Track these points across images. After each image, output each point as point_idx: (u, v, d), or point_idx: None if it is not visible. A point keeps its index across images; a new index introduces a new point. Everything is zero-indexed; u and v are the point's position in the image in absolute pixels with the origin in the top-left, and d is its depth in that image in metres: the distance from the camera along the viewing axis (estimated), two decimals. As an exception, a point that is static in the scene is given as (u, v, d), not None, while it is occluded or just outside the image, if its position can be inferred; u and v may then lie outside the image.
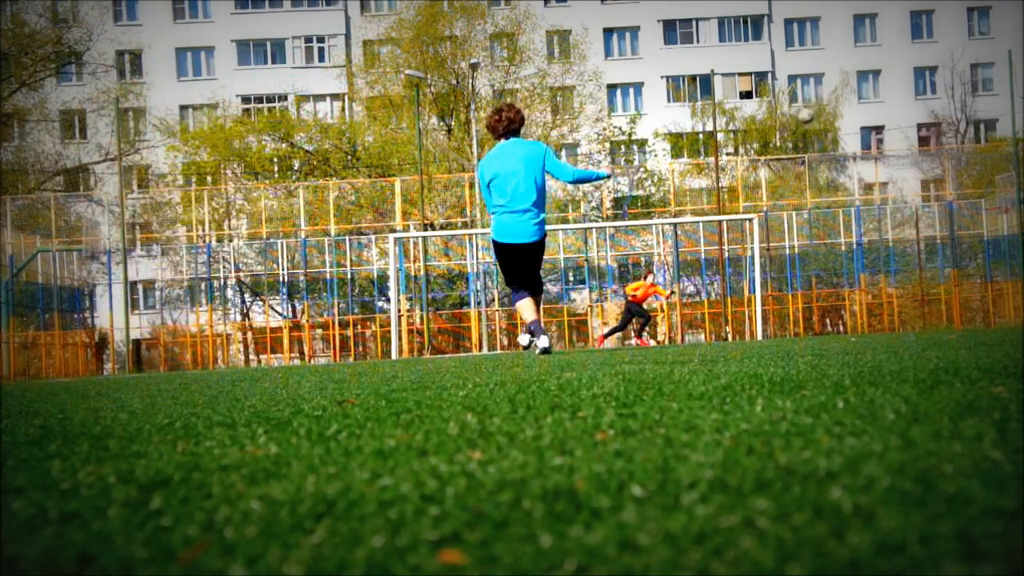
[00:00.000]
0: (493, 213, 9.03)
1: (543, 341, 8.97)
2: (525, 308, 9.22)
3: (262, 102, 48.86)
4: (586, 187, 38.91)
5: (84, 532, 1.21)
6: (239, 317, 37.62)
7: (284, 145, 42.25)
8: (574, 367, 5.42)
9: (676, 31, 51.87)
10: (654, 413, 2.23)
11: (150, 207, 41.68)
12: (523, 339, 9.92)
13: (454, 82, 41.05)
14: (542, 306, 10.52)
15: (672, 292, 24.85)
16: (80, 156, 44.84)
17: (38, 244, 31.59)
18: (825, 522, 1.05)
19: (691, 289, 35.88)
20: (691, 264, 34.20)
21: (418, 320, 30.33)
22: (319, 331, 34.20)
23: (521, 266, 9.14)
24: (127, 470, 1.74)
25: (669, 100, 51.31)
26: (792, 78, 51.42)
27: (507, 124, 8.90)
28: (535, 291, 9.28)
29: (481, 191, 9.17)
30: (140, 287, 44.46)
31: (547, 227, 9.37)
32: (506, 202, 8.86)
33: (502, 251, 9.06)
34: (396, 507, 1.25)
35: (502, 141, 8.98)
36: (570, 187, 36.95)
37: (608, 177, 9.42)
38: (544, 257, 9.47)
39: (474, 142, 33.02)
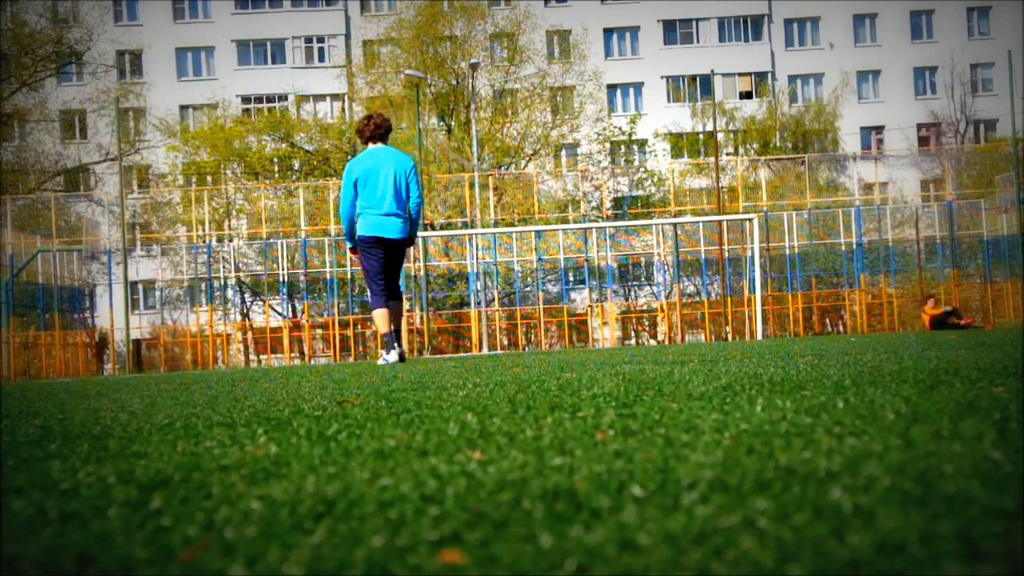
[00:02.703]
0: (359, 215, 9.29)
1: (392, 355, 9.15)
2: (381, 319, 9.38)
3: (262, 102, 48.86)
4: (586, 187, 39.08)
5: (84, 532, 1.21)
6: (239, 317, 37.60)
7: (284, 145, 42.25)
8: (574, 367, 5.42)
9: (676, 31, 51.88)
10: (654, 413, 2.23)
11: (150, 207, 41.67)
12: (391, 356, 9.17)
13: (454, 82, 41.05)
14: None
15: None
16: (80, 156, 44.82)
17: (38, 244, 31.57)
18: (825, 522, 1.05)
19: (691, 289, 35.87)
20: (691, 264, 34.18)
21: (418, 320, 30.31)
22: (319, 331, 34.19)
23: (385, 265, 9.40)
24: (127, 470, 1.74)
25: (669, 100, 51.32)
26: (792, 78, 51.43)
27: (374, 128, 9.35)
28: (394, 297, 9.48)
29: (344, 189, 9.33)
30: (140, 287, 44.48)
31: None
32: (373, 204, 9.22)
33: (371, 245, 9.29)
34: (396, 507, 1.25)
35: (371, 146, 9.36)
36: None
37: (413, 241, 9.59)
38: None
39: (474, 142, 33.02)
